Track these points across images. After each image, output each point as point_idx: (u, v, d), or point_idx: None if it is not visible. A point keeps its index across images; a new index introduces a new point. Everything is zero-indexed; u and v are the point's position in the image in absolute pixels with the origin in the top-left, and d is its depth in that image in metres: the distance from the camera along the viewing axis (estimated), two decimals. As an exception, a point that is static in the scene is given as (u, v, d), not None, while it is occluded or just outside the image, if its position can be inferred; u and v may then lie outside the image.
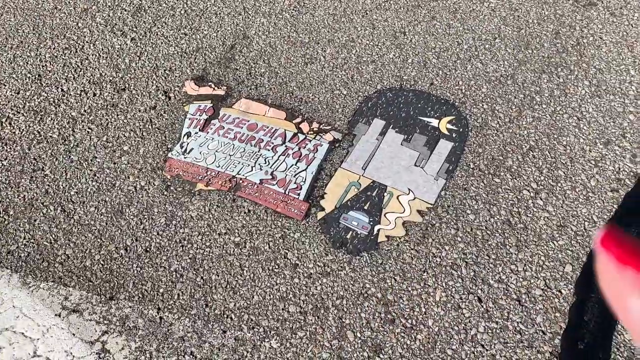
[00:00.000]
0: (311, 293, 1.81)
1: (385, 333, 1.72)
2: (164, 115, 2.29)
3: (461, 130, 2.14)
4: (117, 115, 2.30)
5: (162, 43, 2.54)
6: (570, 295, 1.75)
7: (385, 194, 2.00)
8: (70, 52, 2.54)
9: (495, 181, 2.00)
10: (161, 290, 1.85)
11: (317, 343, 1.72)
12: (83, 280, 1.90)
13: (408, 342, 1.70)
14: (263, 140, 2.17)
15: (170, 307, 1.82)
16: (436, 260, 1.84)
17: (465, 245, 1.87)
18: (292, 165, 2.09)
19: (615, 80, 2.23)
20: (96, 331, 1.78)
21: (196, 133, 2.22)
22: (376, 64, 2.38)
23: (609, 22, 2.43)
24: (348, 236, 1.92)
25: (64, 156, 2.20)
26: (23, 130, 2.29)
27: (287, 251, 1.90)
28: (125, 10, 2.69)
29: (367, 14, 2.57)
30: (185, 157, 2.15)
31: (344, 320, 1.76)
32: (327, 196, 2.01)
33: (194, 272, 1.88)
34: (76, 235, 2.00)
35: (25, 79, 2.46)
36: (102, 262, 1.93)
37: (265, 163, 2.11)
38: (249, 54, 2.46)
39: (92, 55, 2.52)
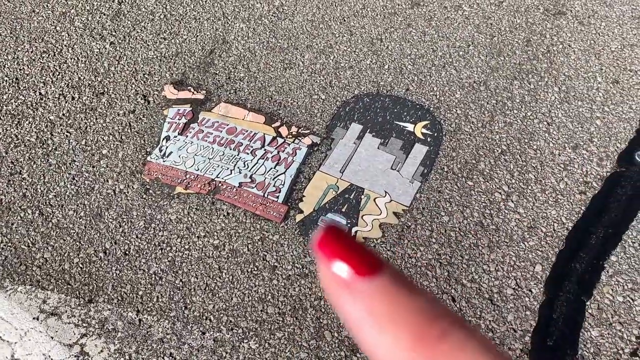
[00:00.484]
0: (290, 294, 1.84)
1: (362, 332, 1.76)
2: (143, 119, 2.30)
3: (436, 134, 2.20)
4: (96, 119, 2.31)
5: (141, 47, 2.55)
6: (540, 294, 1.81)
7: (362, 196, 2.04)
8: (49, 55, 2.54)
9: (468, 184, 2.06)
10: (140, 293, 1.86)
11: (295, 343, 1.75)
12: (61, 284, 1.90)
13: (384, 341, 1.74)
14: (242, 144, 2.20)
15: (149, 309, 1.83)
16: (411, 261, 1.89)
17: (440, 246, 1.92)
18: (271, 168, 2.12)
19: (583, 87, 2.32)
20: (75, 334, 1.78)
21: (175, 137, 2.24)
22: (354, 69, 2.43)
23: (577, 30, 2.52)
24: (326, 238, 1.95)
25: (42, 160, 2.19)
26: (0, 133, 2.28)
27: (265, 253, 1.93)
28: (104, 15, 2.70)
29: (344, 20, 2.62)
30: (164, 161, 2.16)
31: (321, 320, 1.79)
32: (305, 199, 2.05)
33: (173, 275, 1.90)
34: (54, 239, 2.00)
35: (3, 82, 2.44)
36: (80, 265, 1.93)
37: (245, 166, 2.13)
38: (228, 59, 2.49)
39: (71, 59, 2.52)
